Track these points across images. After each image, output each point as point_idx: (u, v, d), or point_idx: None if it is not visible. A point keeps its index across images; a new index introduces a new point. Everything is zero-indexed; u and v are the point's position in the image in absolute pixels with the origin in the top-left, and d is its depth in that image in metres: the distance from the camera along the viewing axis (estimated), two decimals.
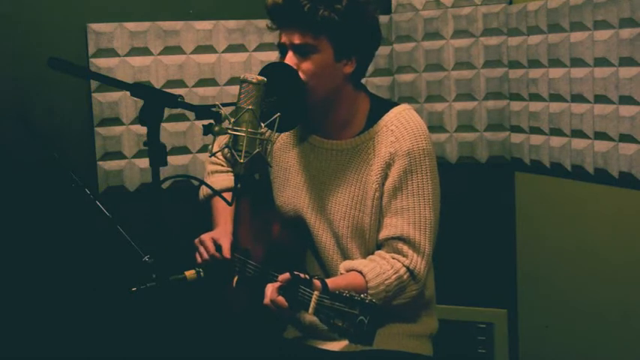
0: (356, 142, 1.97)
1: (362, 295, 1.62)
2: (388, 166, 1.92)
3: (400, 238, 1.89)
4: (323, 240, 2.00)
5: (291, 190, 2.05)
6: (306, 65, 1.86)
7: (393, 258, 1.88)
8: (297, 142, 2.06)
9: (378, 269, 1.83)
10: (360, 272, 1.82)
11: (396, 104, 2.00)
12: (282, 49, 1.90)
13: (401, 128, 1.93)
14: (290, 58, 1.86)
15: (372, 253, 1.97)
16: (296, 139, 2.07)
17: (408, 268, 1.87)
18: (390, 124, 1.94)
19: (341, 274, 1.85)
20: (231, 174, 2.24)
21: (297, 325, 2.08)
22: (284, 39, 1.88)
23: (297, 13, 1.82)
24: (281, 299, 1.72)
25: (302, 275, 1.72)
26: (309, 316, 1.97)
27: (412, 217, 1.90)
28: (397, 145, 1.92)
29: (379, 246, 1.95)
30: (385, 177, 1.93)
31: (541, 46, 2.54)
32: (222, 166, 2.24)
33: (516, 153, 2.73)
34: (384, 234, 1.93)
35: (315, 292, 1.68)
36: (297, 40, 1.85)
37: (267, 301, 1.76)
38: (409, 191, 1.91)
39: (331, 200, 1.99)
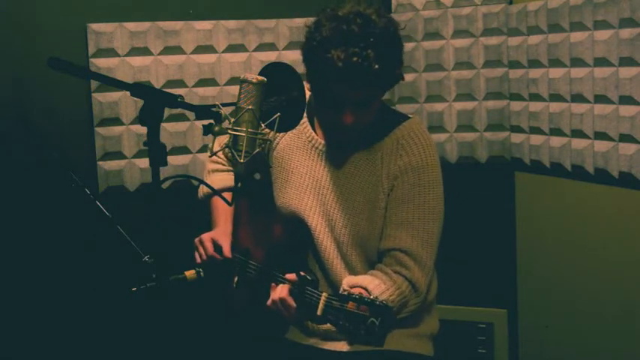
0: (365, 152, 1.97)
1: (372, 297, 1.62)
2: (395, 177, 1.94)
3: (403, 251, 1.90)
4: (324, 244, 2.00)
5: (294, 192, 2.05)
6: (366, 114, 1.87)
7: (396, 272, 1.88)
8: (304, 145, 2.06)
9: (382, 286, 1.82)
10: (365, 289, 1.81)
11: (406, 117, 2.01)
12: (336, 102, 1.84)
13: (411, 143, 1.95)
14: (351, 115, 1.84)
15: (373, 261, 1.97)
16: (302, 142, 2.06)
17: (410, 281, 1.88)
18: (401, 138, 1.96)
19: (344, 290, 1.83)
20: (232, 173, 2.24)
21: (300, 326, 2.08)
22: (344, 97, 1.82)
23: (367, 74, 1.76)
24: (290, 300, 1.72)
25: (309, 277, 1.72)
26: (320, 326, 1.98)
27: (416, 231, 1.90)
28: (406, 158, 1.93)
29: (380, 255, 1.95)
30: (391, 188, 1.94)
31: (541, 46, 2.54)
32: (223, 165, 2.24)
33: (516, 153, 2.73)
34: (387, 244, 1.93)
35: (324, 293, 1.67)
36: (362, 97, 1.83)
37: (275, 298, 1.76)
38: (415, 205, 1.92)
39: (335, 207, 1.99)
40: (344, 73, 1.76)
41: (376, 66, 1.75)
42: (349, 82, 1.78)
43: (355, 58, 1.74)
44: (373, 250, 1.97)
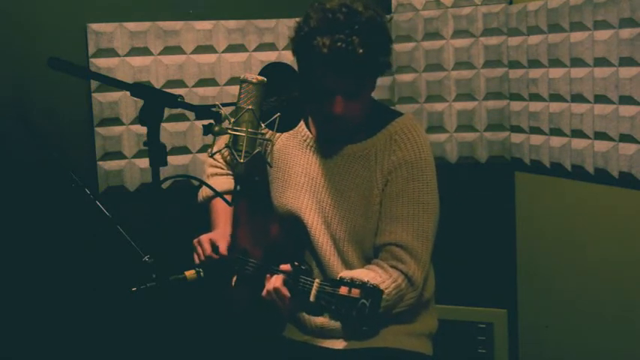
0: (359, 148, 1.98)
1: (363, 280, 1.63)
2: (389, 172, 1.95)
3: (398, 245, 1.90)
4: (321, 242, 2.01)
5: (291, 192, 2.05)
6: (356, 105, 1.88)
7: (392, 266, 1.89)
8: (299, 144, 2.07)
9: (378, 279, 1.82)
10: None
11: (399, 114, 2.03)
12: (325, 92, 1.85)
13: (404, 138, 1.96)
14: (340, 104, 1.85)
15: (369, 257, 1.98)
16: (297, 140, 2.07)
17: (406, 275, 1.88)
18: (394, 134, 1.97)
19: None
20: (231, 176, 2.25)
21: (297, 323, 2.08)
22: (332, 85, 1.84)
23: (352, 59, 1.78)
24: (284, 289, 1.73)
25: (302, 266, 1.73)
26: (315, 318, 1.98)
27: (411, 225, 1.91)
28: (400, 153, 1.94)
29: (376, 250, 1.96)
30: (385, 183, 1.95)
31: (541, 46, 2.54)
32: (222, 168, 2.24)
33: (516, 153, 2.73)
34: (382, 239, 1.94)
35: (317, 280, 1.69)
36: (350, 85, 1.84)
37: (269, 288, 1.77)
38: (410, 199, 1.92)
39: (331, 204, 2.00)
40: (329, 59, 1.78)
41: (360, 51, 1.77)
42: (335, 68, 1.80)
43: (339, 44, 1.77)
44: (369, 245, 1.98)
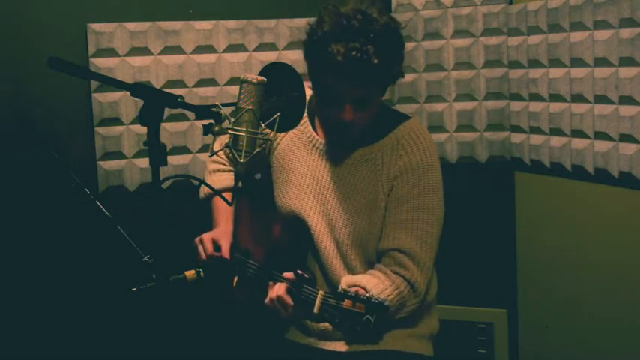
0: (365, 152, 1.98)
1: (368, 294, 1.62)
2: (395, 177, 1.94)
3: (402, 251, 1.89)
4: (324, 244, 2.00)
5: (294, 193, 2.05)
6: (366, 112, 1.88)
7: (395, 272, 1.88)
8: (304, 146, 2.06)
9: (381, 285, 1.82)
10: (364, 288, 1.81)
11: (407, 117, 2.02)
12: (336, 98, 1.85)
13: (411, 143, 1.95)
14: (350, 112, 1.84)
15: (372, 261, 1.97)
16: (303, 142, 2.06)
17: (409, 281, 1.87)
18: (401, 139, 1.96)
19: (342, 289, 1.84)
20: (233, 174, 2.24)
21: (299, 325, 2.08)
22: (344, 92, 1.83)
23: (367, 69, 1.77)
24: (287, 298, 1.73)
25: (306, 275, 1.72)
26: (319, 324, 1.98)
27: (416, 232, 1.90)
28: (406, 158, 1.94)
29: (379, 255, 1.95)
30: (391, 188, 1.95)
31: (541, 46, 2.54)
32: (224, 165, 2.24)
33: (516, 153, 2.73)
34: (386, 244, 1.93)
35: (320, 291, 1.68)
36: (362, 93, 1.83)
37: (272, 296, 1.77)
38: (415, 205, 1.92)
39: (335, 207, 1.99)
40: (344, 67, 1.77)
41: (375, 61, 1.76)
42: (349, 76, 1.79)
43: (354, 53, 1.75)
44: (373, 250, 1.97)
